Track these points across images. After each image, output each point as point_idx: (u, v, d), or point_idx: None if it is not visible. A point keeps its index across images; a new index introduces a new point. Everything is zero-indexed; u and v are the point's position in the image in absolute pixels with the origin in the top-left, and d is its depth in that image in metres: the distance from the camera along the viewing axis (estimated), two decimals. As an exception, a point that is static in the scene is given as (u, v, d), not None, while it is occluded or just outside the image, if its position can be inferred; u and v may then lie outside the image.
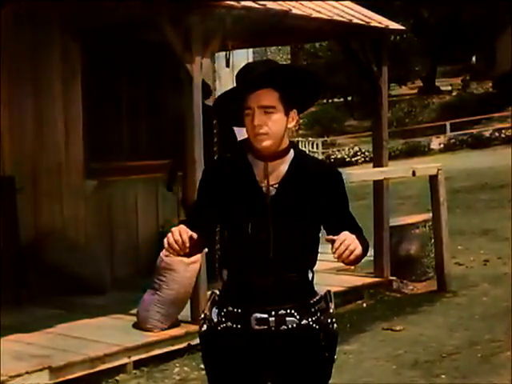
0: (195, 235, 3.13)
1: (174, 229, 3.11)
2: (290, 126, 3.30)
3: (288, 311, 3.27)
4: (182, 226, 3.14)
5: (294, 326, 3.28)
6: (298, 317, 3.28)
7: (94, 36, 8.87)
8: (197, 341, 6.79)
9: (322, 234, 3.35)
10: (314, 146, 34.64)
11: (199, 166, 7.08)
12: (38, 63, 8.72)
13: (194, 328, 7.01)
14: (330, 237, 3.11)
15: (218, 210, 3.34)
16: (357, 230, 3.22)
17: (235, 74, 3.37)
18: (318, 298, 3.36)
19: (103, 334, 7.04)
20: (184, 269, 7.07)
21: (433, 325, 7.99)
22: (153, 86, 10.07)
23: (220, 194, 3.33)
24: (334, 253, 3.05)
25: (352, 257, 3.05)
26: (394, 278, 9.63)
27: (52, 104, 8.87)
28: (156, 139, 10.02)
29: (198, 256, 6.77)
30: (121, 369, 6.61)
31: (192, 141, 7.29)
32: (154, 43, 8.29)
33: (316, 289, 3.39)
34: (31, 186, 8.65)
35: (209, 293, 3.47)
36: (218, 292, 3.40)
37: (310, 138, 36.09)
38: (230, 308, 3.31)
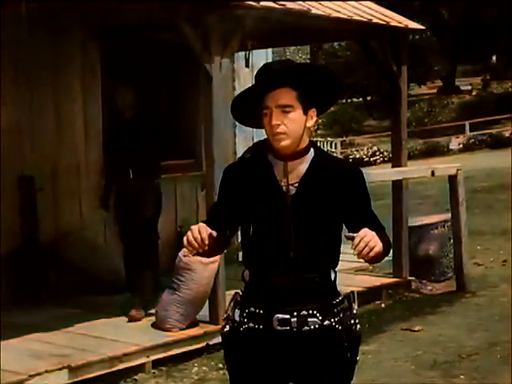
0: (215, 233, 3.12)
1: (193, 227, 3.12)
2: (309, 124, 3.29)
3: (310, 312, 3.26)
4: (202, 224, 3.14)
5: (317, 326, 3.26)
6: (320, 317, 3.26)
7: (113, 36, 8.89)
8: (215, 341, 6.87)
9: (343, 232, 3.34)
10: (333, 146, 34.57)
11: (218, 165, 7.09)
12: (58, 64, 8.75)
13: (213, 328, 7.07)
14: (350, 234, 3.10)
15: (238, 210, 3.34)
16: (379, 228, 3.20)
17: (254, 73, 3.36)
18: (340, 298, 3.34)
19: (122, 334, 7.06)
20: (202, 269, 7.08)
21: (452, 325, 7.97)
22: (172, 86, 10.09)
23: (240, 194, 3.32)
24: (353, 249, 3.04)
25: (372, 254, 3.04)
26: (412, 278, 9.61)
27: (71, 104, 8.90)
28: (175, 139, 10.04)
29: (217, 256, 6.77)
30: (139, 368, 6.63)
31: (210, 141, 7.30)
32: (174, 43, 8.31)
33: (339, 289, 3.39)
34: (51, 186, 8.69)
35: (228, 293, 3.48)
36: (240, 292, 3.40)
37: (329, 138, 36.01)
38: (252, 309, 3.30)
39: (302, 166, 3.30)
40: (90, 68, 9.06)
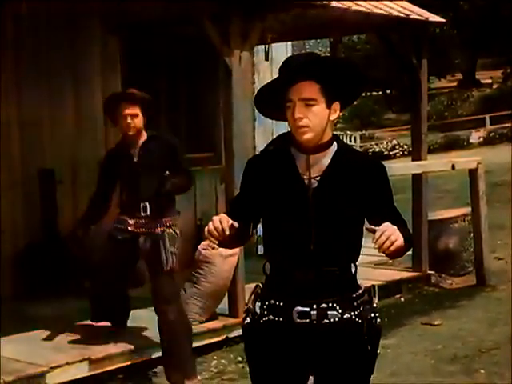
0: (236, 224, 3.13)
1: (214, 217, 3.13)
2: (332, 118, 3.28)
3: (330, 305, 3.26)
4: (223, 215, 3.15)
5: (336, 319, 3.26)
6: (340, 310, 3.27)
7: (132, 30, 8.91)
8: (234, 334, 6.88)
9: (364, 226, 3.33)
10: (352, 140, 34.53)
11: (237, 159, 7.10)
12: (78, 57, 8.78)
13: (232, 321, 7.08)
14: (371, 226, 3.09)
15: (260, 202, 3.34)
16: (401, 223, 3.19)
17: (274, 67, 3.37)
18: (361, 291, 3.34)
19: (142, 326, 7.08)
20: (222, 262, 7.09)
21: (472, 319, 7.94)
22: (192, 80, 10.09)
23: (262, 186, 3.33)
24: (374, 243, 3.03)
25: (393, 248, 3.02)
26: (432, 272, 9.60)
27: (91, 98, 8.92)
28: (195, 133, 10.05)
29: (236, 249, 6.79)
30: (159, 361, 6.64)
31: (230, 134, 7.31)
32: (193, 37, 8.31)
33: (359, 283, 3.38)
34: (70, 178, 8.73)
35: (247, 286, 3.49)
36: (261, 285, 3.40)
37: (349, 132, 35.96)
38: (273, 301, 3.31)
39: (325, 159, 3.29)
40: (109, 61, 9.08)
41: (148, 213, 6.16)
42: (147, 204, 6.16)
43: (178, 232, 6.28)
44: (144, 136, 6.24)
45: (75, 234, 6.39)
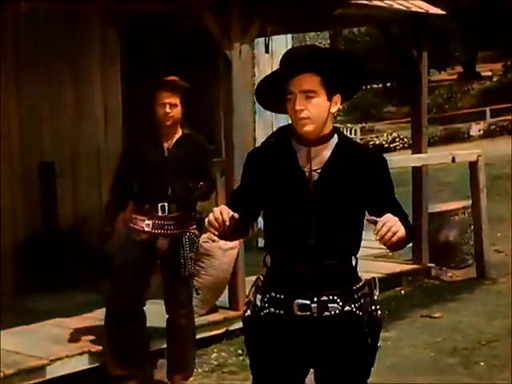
0: (236, 216, 3.14)
1: (215, 208, 3.14)
2: (333, 110, 3.28)
3: (330, 297, 3.26)
4: (224, 206, 3.16)
5: (337, 312, 3.27)
6: (340, 303, 3.27)
7: (132, 23, 8.90)
8: (235, 326, 6.88)
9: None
10: (353, 133, 34.48)
11: (237, 152, 7.10)
12: (78, 52, 8.77)
13: (232, 314, 7.09)
14: (372, 218, 3.09)
15: (260, 195, 3.34)
16: (402, 215, 3.18)
17: (274, 59, 3.36)
18: (361, 284, 3.34)
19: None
20: (222, 255, 7.08)
21: (472, 312, 7.95)
22: (192, 73, 10.07)
23: (263, 179, 3.33)
24: (375, 234, 3.03)
25: (394, 239, 3.02)
26: (432, 265, 9.59)
27: (91, 92, 8.92)
28: (195, 125, 10.03)
29: (236, 242, 6.79)
30: (160, 353, 6.65)
31: (230, 127, 7.31)
32: (193, 30, 8.30)
33: (360, 275, 3.38)
34: (70, 172, 8.73)
35: (248, 279, 3.49)
36: (262, 277, 3.41)
37: (349, 125, 35.92)
38: (273, 294, 3.31)
39: (326, 152, 3.29)
40: (109, 55, 9.07)
41: (166, 213, 5.85)
42: (166, 204, 5.85)
43: (197, 234, 6.03)
44: (179, 131, 5.99)
45: (104, 232, 6.05)
